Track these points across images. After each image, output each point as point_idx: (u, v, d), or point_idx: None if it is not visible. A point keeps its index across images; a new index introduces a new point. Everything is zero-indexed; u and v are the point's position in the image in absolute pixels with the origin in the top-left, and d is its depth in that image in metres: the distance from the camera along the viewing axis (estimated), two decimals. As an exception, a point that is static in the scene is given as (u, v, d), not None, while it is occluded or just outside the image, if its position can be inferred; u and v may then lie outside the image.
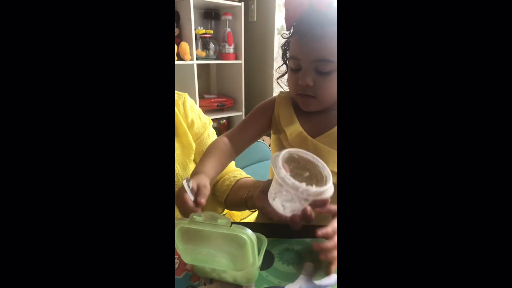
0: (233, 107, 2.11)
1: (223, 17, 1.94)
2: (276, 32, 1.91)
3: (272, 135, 0.70)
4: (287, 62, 0.64)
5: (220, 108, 2.04)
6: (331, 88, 0.57)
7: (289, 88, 0.63)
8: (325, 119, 0.62)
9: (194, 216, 0.41)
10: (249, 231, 0.40)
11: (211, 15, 2.01)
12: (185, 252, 0.44)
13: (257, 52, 2.07)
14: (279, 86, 0.70)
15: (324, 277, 0.46)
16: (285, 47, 0.64)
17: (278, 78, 0.69)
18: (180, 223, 0.41)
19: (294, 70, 0.59)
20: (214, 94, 2.18)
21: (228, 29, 1.91)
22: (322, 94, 0.58)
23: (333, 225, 0.46)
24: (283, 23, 0.64)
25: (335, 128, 0.61)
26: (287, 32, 0.62)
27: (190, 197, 0.50)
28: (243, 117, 2.06)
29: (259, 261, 0.43)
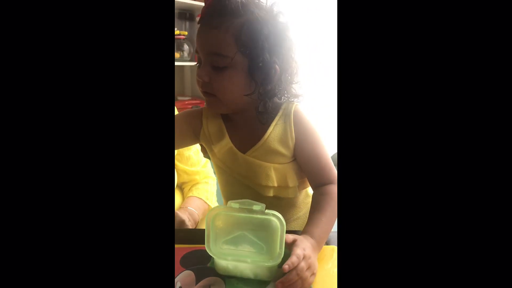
0: (208, 109, 2.08)
1: (197, 19, 1.91)
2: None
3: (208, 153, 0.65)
4: None
5: (195, 111, 2.01)
6: (227, 86, 0.53)
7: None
8: (252, 131, 0.59)
9: (231, 203, 0.44)
10: (280, 216, 0.43)
11: (185, 16, 1.98)
12: (215, 240, 0.45)
13: (232, 55, 2.06)
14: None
15: None
16: None
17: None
18: (217, 209, 0.44)
19: (198, 66, 0.56)
20: (188, 96, 2.14)
21: (203, 31, 1.89)
22: (220, 92, 0.54)
23: (296, 252, 0.44)
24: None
25: (263, 140, 0.57)
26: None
27: None
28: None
29: (282, 252, 0.44)
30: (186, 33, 1.88)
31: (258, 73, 0.53)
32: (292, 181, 0.59)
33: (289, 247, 0.46)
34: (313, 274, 0.46)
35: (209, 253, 0.45)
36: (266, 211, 0.43)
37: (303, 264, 0.44)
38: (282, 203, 0.62)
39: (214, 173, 0.69)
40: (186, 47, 1.89)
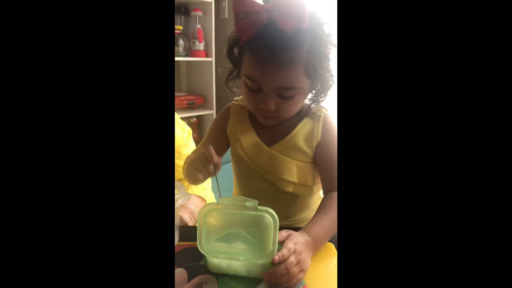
0: (204, 105, 2.07)
1: (192, 13, 1.89)
2: (247, 30, 1.89)
3: (231, 146, 0.67)
4: (235, 64, 0.58)
5: (190, 107, 1.99)
6: (293, 108, 0.56)
7: (246, 105, 0.60)
8: (281, 127, 0.60)
9: (223, 200, 0.43)
10: (273, 212, 0.42)
11: (180, 10, 1.95)
12: (207, 237, 0.44)
13: (228, 50, 2.04)
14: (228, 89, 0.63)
15: None
16: (232, 50, 0.57)
17: (227, 81, 0.61)
18: (209, 206, 0.43)
19: (253, 90, 0.54)
20: (184, 92, 2.12)
21: (198, 26, 1.87)
22: (284, 114, 0.56)
23: (287, 245, 0.44)
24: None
25: (290, 136, 0.60)
26: (234, 34, 0.54)
27: None
28: (214, 116, 2.03)
29: (275, 249, 0.44)
30: (181, 27, 1.86)
31: (319, 89, 0.57)
32: (310, 181, 0.62)
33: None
34: (302, 270, 0.45)
35: (201, 251, 0.44)
36: (259, 207, 0.42)
37: (292, 259, 0.43)
38: (297, 202, 0.64)
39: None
40: (181, 42, 1.86)
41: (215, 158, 0.49)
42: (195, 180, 0.55)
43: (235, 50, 0.57)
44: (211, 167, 0.50)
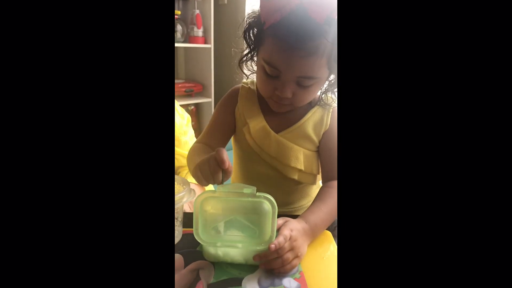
0: (202, 93, 2.05)
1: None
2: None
3: (236, 129, 0.65)
4: (251, 46, 0.57)
5: (188, 94, 1.98)
6: (309, 97, 0.56)
7: (260, 90, 0.59)
8: (290, 114, 0.60)
9: (220, 187, 0.42)
10: (272, 198, 0.42)
11: (178, -6, 1.91)
12: (204, 226, 0.44)
13: (227, 36, 2.01)
14: (240, 71, 0.63)
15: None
16: (250, 31, 0.55)
17: (240, 63, 0.61)
18: (206, 194, 0.42)
19: (270, 76, 0.52)
20: (182, 79, 2.10)
21: (197, 11, 1.83)
22: (299, 102, 0.55)
23: (283, 232, 0.44)
24: (255, 7, 0.56)
25: (299, 123, 0.60)
26: (257, 12, 0.54)
27: None
28: (213, 104, 2.02)
29: (274, 236, 0.44)
30: (179, 12, 1.82)
31: (334, 79, 0.56)
32: (315, 169, 0.62)
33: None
34: (297, 257, 0.45)
35: (198, 240, 0.44)
36: (257, 193, 0.42)
37: (286, 245, 0.43)
38: (298, 189, 0.65)
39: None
40: (179, 27, 1.83)
41: (227, 163, 0.42)
42: (199, 183, 0.48)
43: (253, 31, 0.55)
44: (220, 175, 0.43)
